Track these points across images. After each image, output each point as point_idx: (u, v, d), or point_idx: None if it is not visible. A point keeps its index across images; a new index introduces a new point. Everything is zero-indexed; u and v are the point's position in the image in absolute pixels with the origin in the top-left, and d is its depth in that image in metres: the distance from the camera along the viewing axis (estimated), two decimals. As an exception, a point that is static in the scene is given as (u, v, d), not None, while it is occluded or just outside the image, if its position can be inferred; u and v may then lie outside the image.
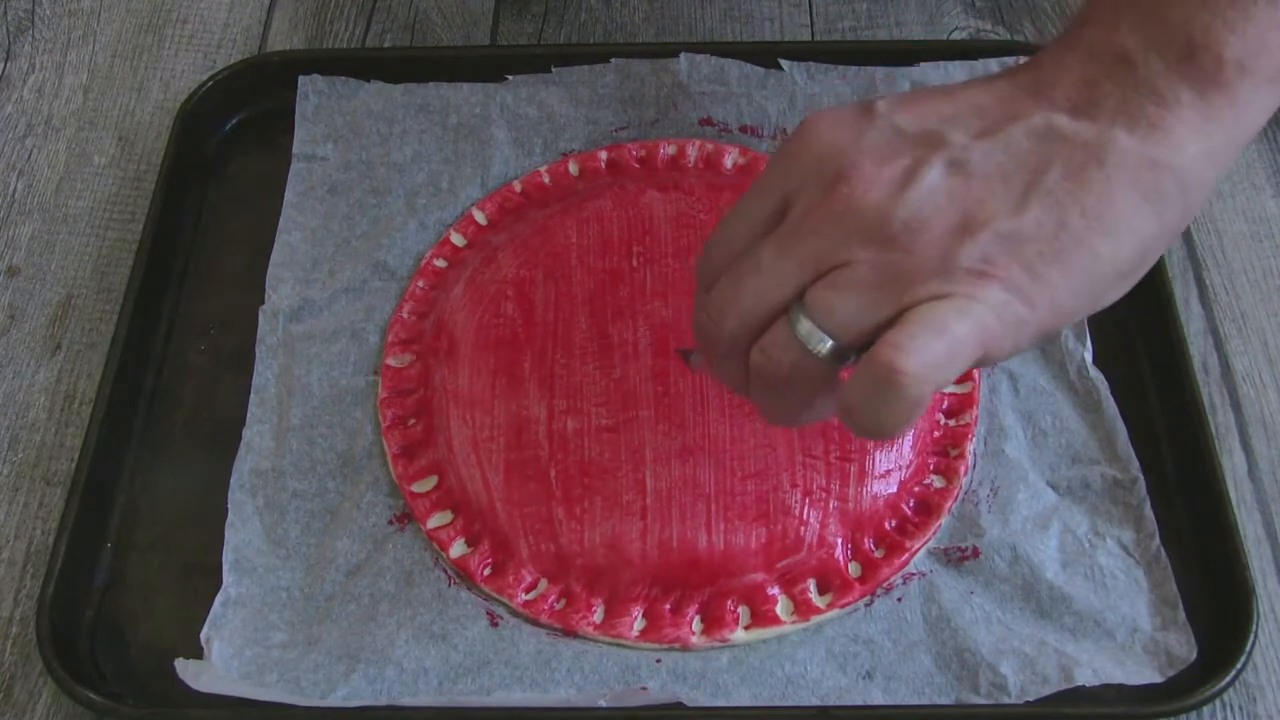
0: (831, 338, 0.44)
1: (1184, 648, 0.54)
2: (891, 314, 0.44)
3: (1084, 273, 0.44)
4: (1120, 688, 0.53)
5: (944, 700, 0.53)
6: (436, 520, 0.59)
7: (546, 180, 0.70)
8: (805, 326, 0.45)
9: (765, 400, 0.48)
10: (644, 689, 0.53)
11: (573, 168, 0.70)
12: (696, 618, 0.56)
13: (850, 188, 0.45)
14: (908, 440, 0.59)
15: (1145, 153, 0.45)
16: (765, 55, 0.72)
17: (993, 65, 0.70)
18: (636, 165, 0.70)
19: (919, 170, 0.45)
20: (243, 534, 0.58)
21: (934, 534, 0.58)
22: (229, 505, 0.59)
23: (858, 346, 0.45)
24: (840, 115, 0.47)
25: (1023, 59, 0.69)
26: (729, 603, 0.56)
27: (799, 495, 0.57)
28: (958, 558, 0.57)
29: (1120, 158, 0.44)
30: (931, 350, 0.42)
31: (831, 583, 0.57)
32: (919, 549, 0.57)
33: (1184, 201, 0.45)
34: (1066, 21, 0.49)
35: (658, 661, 0.55)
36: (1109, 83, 0.45)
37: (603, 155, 0.71)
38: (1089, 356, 0.62)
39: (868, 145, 0.45)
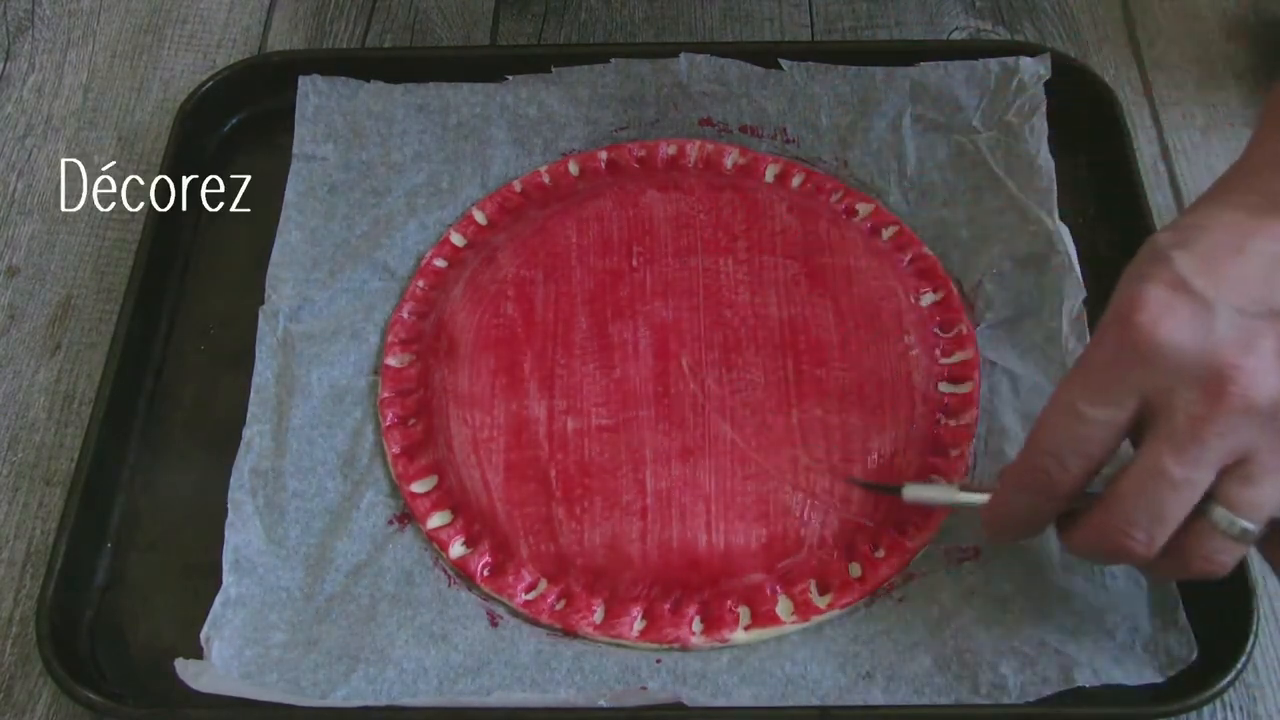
0: (1254, 526, 0.48)
1: (1184, 648, 0.54)
2: None
3: None
4: (1120, 688, 0.53)
5: (944, 700, 0.53)
6: (436, 520, 0.59)
7: (546, 180, 0.70)
8: (1224, 519, 0.48)
9: (1180, 578, 0.53)
10: (644, 689, 0.54)
11: (573, 168, 0.70)
12: (696, 618, 0.56)
13: (1240, 387, 0.46)
14: (909, 441, 0.59)
15: None
16: (765, 55, 0.72)
17: (993, 65, 0.70)
18: (636, 165, 0.70)
19: None
20: (243, 534, 0.58)
21: (934, 534, 0.58)
22: (229, 505, 0.59)
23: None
24: (1173, 308, 0.48)
25: (1024, 59, 0.70)
26: (729, 603, 0.56)
27: (799, 496, 0.57)
28: (958, 558, 0.57)
29: None
30: None
31: (831, 583, 0.57)
32: (919, 549, 0.57)
33: None
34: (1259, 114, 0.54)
35: (658, 662, 0.55)
36: None
37: (603, 155, 0.71)
38: (1089, 357, 0.62)
39: (1227, 338, 0.47)
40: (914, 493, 0.56)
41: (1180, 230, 0.50)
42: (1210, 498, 0.47)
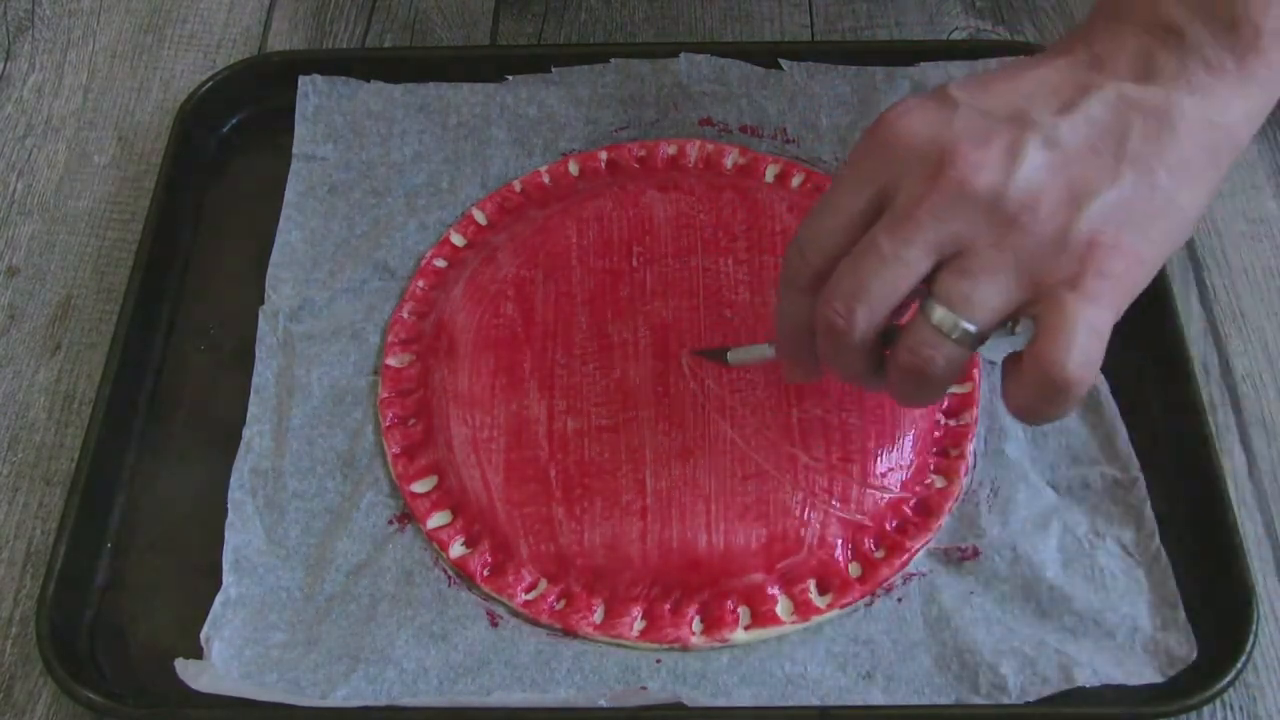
0: (971, 325, 0.46)
1: (1184, 647, 0.54)
2: (1026, 297, 0.46)
3: (1175, 226, 0.48)
4: (1120, 688, 0.53)
5: (944, 700, 0.53)
6: (436, 520, 0.59)
7: (546, 180, 0.70)
8: (941, 315, 0.47)
9: (904, 389, 0.50)
10: (644, 689, 0.54)
11: (573, 168, 0.70)
12: (696, 618, 0.56)
13: (959, 171, 0.46)
14: (908, 440, 0.59)
15: (1203, 113, 0.48)
16: (765, 55, 0.72)
17: (993, 65, 0.70)
18: (636, 165, 0.70)
19: (1020, 149, 0.46)
20: (243, 534, 0.58)
21: (934, 534, 0.58)
22: (229, 505, 0.59)
23: (994, 328, 0.47)
24: (921, 106, 0.48)
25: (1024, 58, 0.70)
26: (729, 603, 0.56)
27: (799, 496, 0.57)
28: (958, 558, 0.57)
29: (1187, 118, 0.48)
30: (1089, 350, 0.46)
31: (831, 583, 0.57)
32: (919, 549, 0.57)
33: (1231, 157, 0.49)
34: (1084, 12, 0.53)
35: (658, 662, 0.55)
36: (1163, 52, 0.48)
37: (603, 155, 0.71)
38: (1089, 356, 0.62)
39: (961, 130, 0.47)
40: (737, 355, 0.57)
41: None
42: (931, 296, 0.47)
